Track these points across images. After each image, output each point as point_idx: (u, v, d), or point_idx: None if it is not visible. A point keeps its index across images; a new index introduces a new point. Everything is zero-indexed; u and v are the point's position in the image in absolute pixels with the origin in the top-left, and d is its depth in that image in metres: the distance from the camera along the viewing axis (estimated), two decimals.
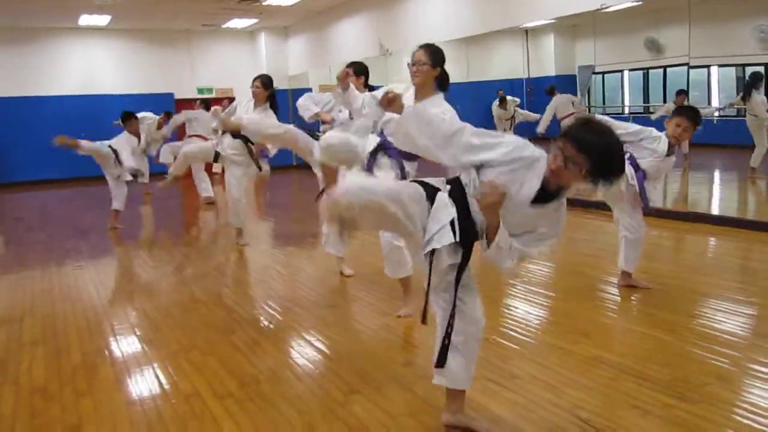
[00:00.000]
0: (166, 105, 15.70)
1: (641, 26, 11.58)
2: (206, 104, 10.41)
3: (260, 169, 6.78)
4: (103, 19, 13.62)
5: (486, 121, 15.31)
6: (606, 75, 12.96)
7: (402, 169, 3.98)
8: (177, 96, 15.70)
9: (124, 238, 7.83)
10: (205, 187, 10.31)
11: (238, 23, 14.96)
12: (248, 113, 6.38)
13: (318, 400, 3.07)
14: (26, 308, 4.91)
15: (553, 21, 10.69)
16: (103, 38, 15.00)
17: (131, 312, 4.71)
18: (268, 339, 3.98)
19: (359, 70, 5.55)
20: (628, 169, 4.30)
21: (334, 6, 13.56)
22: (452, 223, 2.41)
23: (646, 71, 12.56)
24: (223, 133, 6.63)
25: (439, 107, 3.79)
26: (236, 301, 4.90)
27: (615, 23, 11.31)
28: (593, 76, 12.88)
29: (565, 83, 14.08)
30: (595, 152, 2.27)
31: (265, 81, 6.46)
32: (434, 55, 3.85)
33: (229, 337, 3.99)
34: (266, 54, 16.20)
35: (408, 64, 3.86)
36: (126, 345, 4.01)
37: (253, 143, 6.58)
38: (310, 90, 15.43)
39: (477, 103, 14.44)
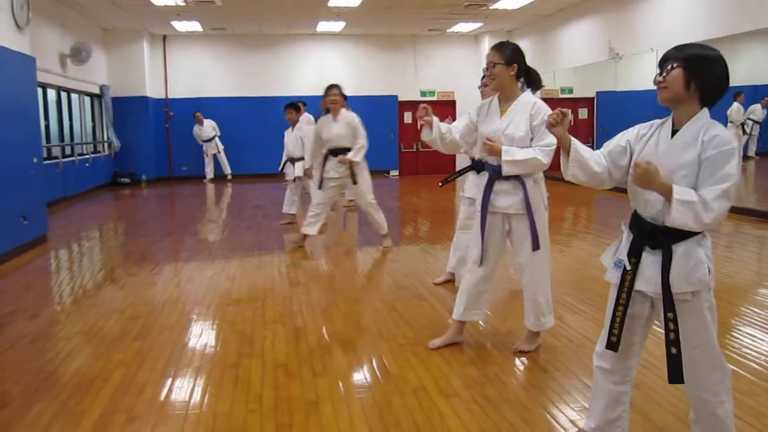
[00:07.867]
0: (391, 107, 16.45)
1: None
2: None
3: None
4: (338, 26, 14.61)
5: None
6: None
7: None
8: (401, 98, 16.36)
9: (358, 232, 8.30)
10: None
11: (463, 27, 15.21)
12: (334, 127, 6.64)
13: (544, 411, 3.03)
14: (267, 289, 5.41)
15: None
16: (335, 43, 16.09)
17: (358, 303, 4.99)
18: (490, 342, 3.99)
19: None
20: None
21: (561, 8, 13.27)
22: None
23: None
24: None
25: (526, 110, 3.54)
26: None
27: None
28: None
29: None
30: None
31: (342, 91, 6.61)
32: (505, 52, 3.57)
33: None
34: None
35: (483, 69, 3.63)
36: (355, 333, 4.25)
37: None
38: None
39: (714, 110, 13.32)
